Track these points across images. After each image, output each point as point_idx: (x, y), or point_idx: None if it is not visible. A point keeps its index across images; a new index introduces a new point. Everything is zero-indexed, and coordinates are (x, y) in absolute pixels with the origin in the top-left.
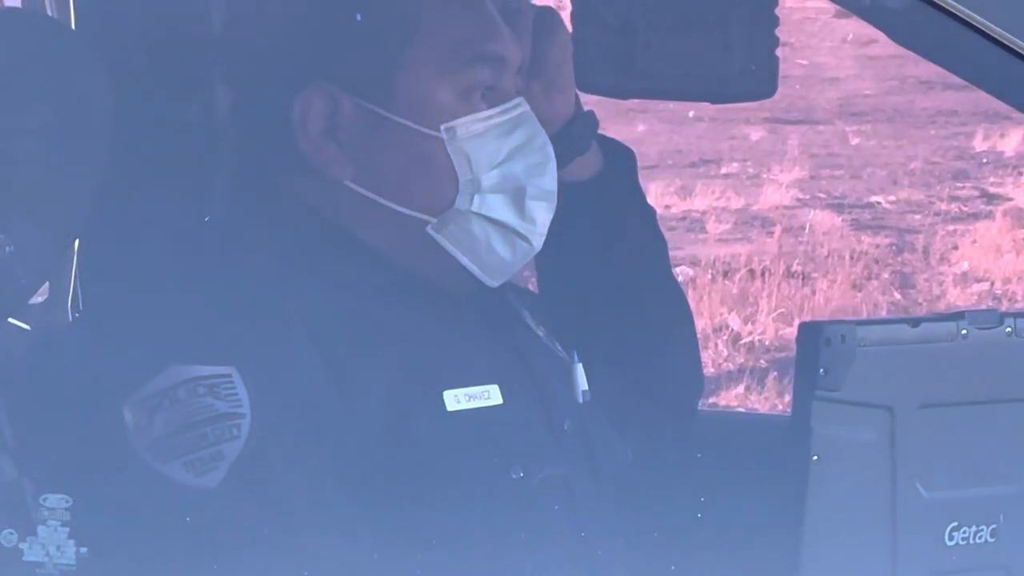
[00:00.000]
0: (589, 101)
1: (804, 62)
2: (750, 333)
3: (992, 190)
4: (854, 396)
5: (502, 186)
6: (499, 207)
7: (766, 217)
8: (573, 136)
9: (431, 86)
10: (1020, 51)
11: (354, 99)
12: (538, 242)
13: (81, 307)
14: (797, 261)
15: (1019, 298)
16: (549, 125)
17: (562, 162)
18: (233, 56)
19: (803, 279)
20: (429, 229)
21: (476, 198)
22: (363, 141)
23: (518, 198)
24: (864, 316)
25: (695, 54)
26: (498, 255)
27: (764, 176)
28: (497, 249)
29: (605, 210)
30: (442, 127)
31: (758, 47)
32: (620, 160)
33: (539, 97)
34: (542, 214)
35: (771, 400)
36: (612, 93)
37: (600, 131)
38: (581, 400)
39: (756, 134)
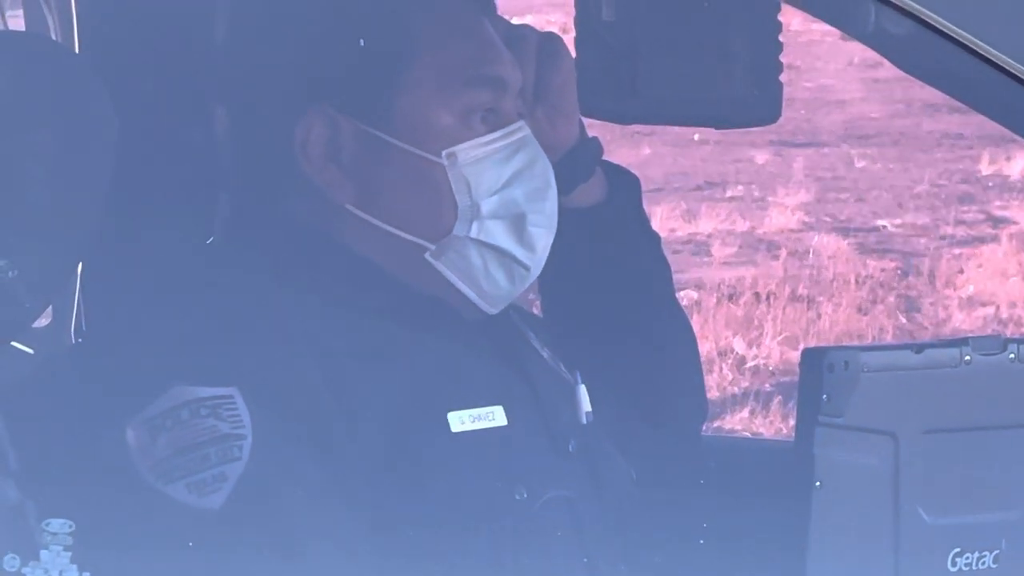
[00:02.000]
0: (593, 125)
1: (810, 84)
2: (755, 357)
3: (998, 213)
4: (857, 422)
5: (502, 212)
6: (498, 233)
7: (771, 240)
8: (577, 163)
9: (431, 109)
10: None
11: (354, 122)
12: (537, 269)
13: (84, 330)
14: (802, 285)
15: None
16: (553, 151)
17: (566, 189)
18: (235, 79)
19: (808, 303)
20: (427, 256)
21: (475, 224)
22: (364, 165)
23: (518, 224)
24: (869, 340)
25: (698, 79)
26: (496, 283)
27: (769, 199)
28: (495, 276)
29: (609, 237)
30: (443, 153)
31: (762, 73)
32: (624, 187)
33: (543, 123)
34: (542, 240)
35: (776, 424)
36: (615, 118)
37: (604, 156)
38: (585, 421)
39: (761, 157)
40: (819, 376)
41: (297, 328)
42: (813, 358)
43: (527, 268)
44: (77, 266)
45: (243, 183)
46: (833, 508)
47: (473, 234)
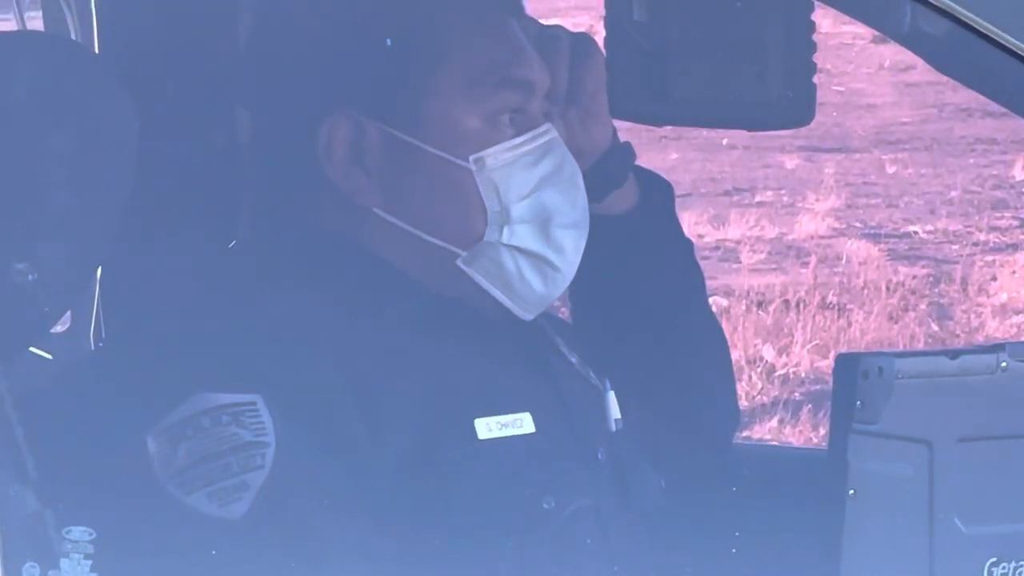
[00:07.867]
0: (621, 128)
1: (840, 88)
2: (784, 365)
3: None
4: (892, 429)
5: (532, 216)
6: (530, 237)
7: (801, 247)
8: (610, 168)
9: (458, 112)
10: None
11: (380, 126)
12: (570, 272)
13: (104, 336)
14: (833, 292)
15: None
16: (586, 156)
17: (599, 195)
18: (258, 81)
19: (839, 310)
20: (459, 263)
21: (506, 229)
22: (390, 169)
23: (548, 227)
24: (901, 348)
25: (731, 81)
26: (531, 287)
27: (799, 205)
28: (530, 281)
29: (641, 243)
30: (471, 158)
31: (795, 74)
32: (657, 193)
33: (576, 126)
34: (572, 241)
35: (806, 433)
36: (646, 120)
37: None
38: (614, 429)
39: (791, 162)
40: (853, 382)
41: (321, 334)
42: (847, 364)
43: (561, 271)
44: (96, 270)
45: (266, 186)
46: (867, 517)
47: (505, 239)
